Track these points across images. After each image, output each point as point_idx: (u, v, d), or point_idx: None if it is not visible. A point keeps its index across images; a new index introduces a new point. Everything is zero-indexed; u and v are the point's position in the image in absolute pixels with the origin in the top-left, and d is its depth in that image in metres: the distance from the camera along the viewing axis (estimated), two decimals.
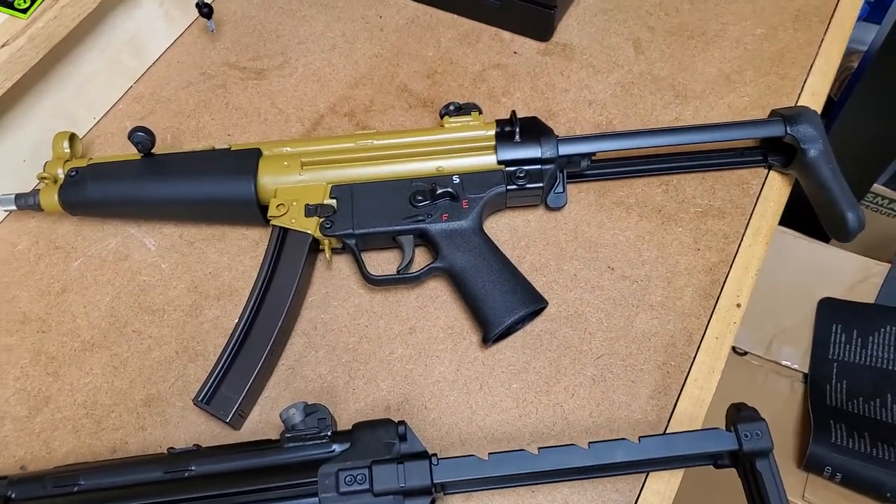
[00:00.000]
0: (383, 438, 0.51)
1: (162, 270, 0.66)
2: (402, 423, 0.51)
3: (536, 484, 0.52)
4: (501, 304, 0.57)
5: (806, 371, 1.11)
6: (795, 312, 1.16)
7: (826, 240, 1.33)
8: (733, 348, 1.18)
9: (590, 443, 0.49)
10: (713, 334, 0.58)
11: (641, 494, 0.52)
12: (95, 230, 0.69)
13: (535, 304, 0.58)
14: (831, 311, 1.13)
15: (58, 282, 0.66)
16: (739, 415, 0.49)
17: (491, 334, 0.57)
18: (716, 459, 0.52)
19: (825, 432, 1.02)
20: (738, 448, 0.48)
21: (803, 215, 1.19)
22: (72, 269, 0.67)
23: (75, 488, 0.52)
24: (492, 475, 0.49)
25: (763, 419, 0.49)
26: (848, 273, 1.17)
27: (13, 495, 0.52)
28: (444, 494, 0.52)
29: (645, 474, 0.53)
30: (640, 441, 0.49)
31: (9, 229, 0.70)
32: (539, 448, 0.49)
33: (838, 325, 1.13)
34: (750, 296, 0.60)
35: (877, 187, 1.35)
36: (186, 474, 0.51)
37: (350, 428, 0.52)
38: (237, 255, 0.66)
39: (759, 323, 1.17)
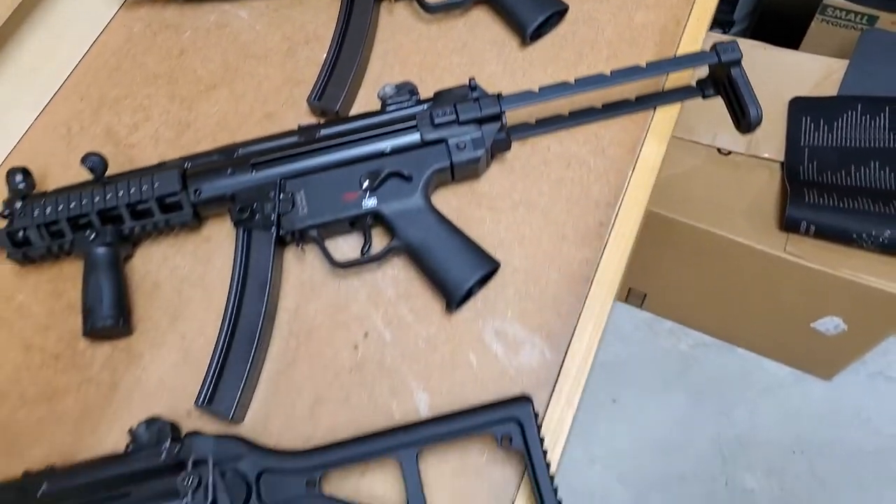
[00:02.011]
0: (459, 94, 0.69)
1: (257, 31, 0.83)
2: (471, 79, 0.69)
3: (575, 125, 0.71)
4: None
5: (782, 160, 1.27)
6: (770, 113, 1.31)
7: (794, 47, 1.49)
8: (718, 149, 1.36)
9: (612, 71, 0.67)
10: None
11: (654, 118, 0.71)
12: (196, 10, 0.85)
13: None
14: (801, 107, 1.28)
15: (175, 47, 0.83)
16: (717, 45, 0.67)
17: None
18: (703, 90, 0.70)
19: (800, 197, 1.18)
20: (717, 61, 0.66)
21: (770, 30, 1.34)
22: (184, 39, 0.84)
23: (236, 154, 0.69)
24: (543, 99, 0.67)
25: (734, 39, 0.67)
26: (813, 73, 1.31)
27: (188, 166, 0.70)
28: (511, 140, 0.70)
29: (652, 109, 0.72)
30: (646, 66, 0.67)
31: (122, 19, 0.86)
32: (574, 79, 0.67)
33: (807, 118, 1.28)
34: None
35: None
36: (317, 135, 0.69)
37: (431, 95, 0.70)
38: (315, 12, 0.83)
39: None
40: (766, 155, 1.30)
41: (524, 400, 0.57)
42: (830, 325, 1.38)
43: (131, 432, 0.58)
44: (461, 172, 0.68)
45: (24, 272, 0.72)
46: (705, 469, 1.52)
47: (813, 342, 1.44)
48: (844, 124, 1.27)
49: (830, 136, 1.26)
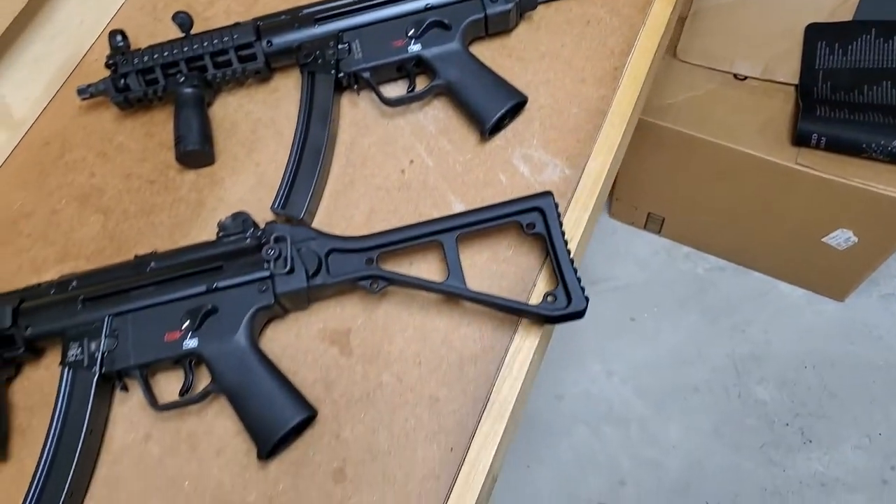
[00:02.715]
0: None
1: None
2: None
3: None
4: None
5: (797, 82, 1.34)
6: (787, 39, 1.37)
7: None
8: (734, 75, 1.44)
9: None
10: None
11: None
12: None
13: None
14: (816, 33, 1.32)
15: None
16: None
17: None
18: None
19: (811, 111, 1.24)
20: None
21: None
22: None
23: (301, 13, 0.81)
24: None
25: None
26: (829, 0, 1.38)
27: (260, 24, 0.82)
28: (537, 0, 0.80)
29: None
30: None
31: None
32: None
33: (822, 42, 1.32)
34: None
35: None
36: None
37: None
38: None
39: (755, 52, 1.39)
40: (780, 79, 1.35)
41: (546, 193, 0.68)
42: (841, 238, 1.44)
43: (220, 224, 0.71)
44: (494, 25, 0.79)
45: (123, 118, 0.85)
46: (719, 382, 1.61)
47: (825, 258, 1.51)
48: (858, 48, 1.31)
49: (844, 59, 1.31)
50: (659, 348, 1.66)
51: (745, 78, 1.41)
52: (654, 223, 1.75)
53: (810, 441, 1.53)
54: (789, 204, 1.41)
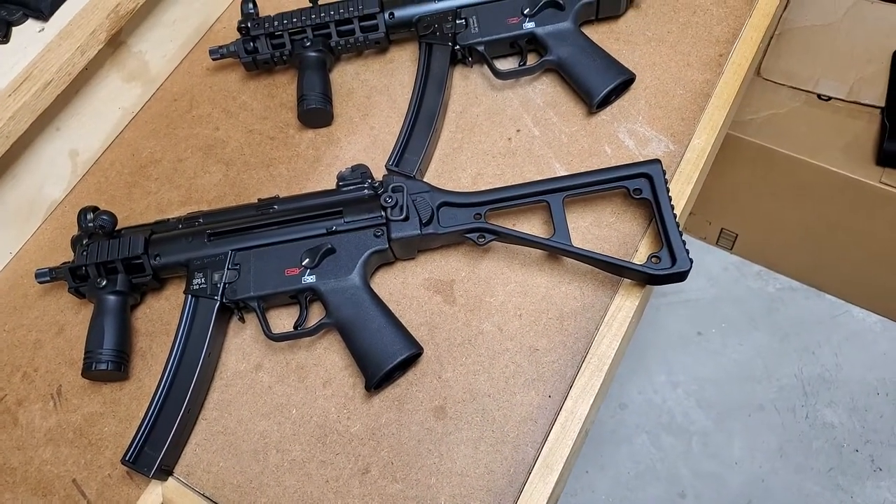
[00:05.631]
0: None
1: None
2: None
3: None
4: None
5: (883, 105, 1.34)
6: (873, 64, 1.38)
7: None
8: (818, 95, 1.44)
9: None
10: None
11: None
12: None
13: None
14: None
15: None
16: None
17: None
18: None
19: None
20: None
21: None
22: None
23: None
24: None
25: None
26: None
27: None
28: None
29: None
30: None
31: None
32: None
33: None
34: None
35: None
36: None
37: None
38: None
39: (840, 74, 1.39)
40: (866, 101, 1.35)
41: (654, 161, 0.70)
42: None
43: (339, 175, 0.75)
44: (605, 9, 0.83)
45: (247, 79, 0.91)
46: (786, 401, 1.58)
47: None
48: None
49: None
50: (725, 363, 1.64)
51: (830, 98, 1.40)
52: (726, 240, 1.75)
53: (881, 469, 1.49)
54: (870, 225, 1.39)
